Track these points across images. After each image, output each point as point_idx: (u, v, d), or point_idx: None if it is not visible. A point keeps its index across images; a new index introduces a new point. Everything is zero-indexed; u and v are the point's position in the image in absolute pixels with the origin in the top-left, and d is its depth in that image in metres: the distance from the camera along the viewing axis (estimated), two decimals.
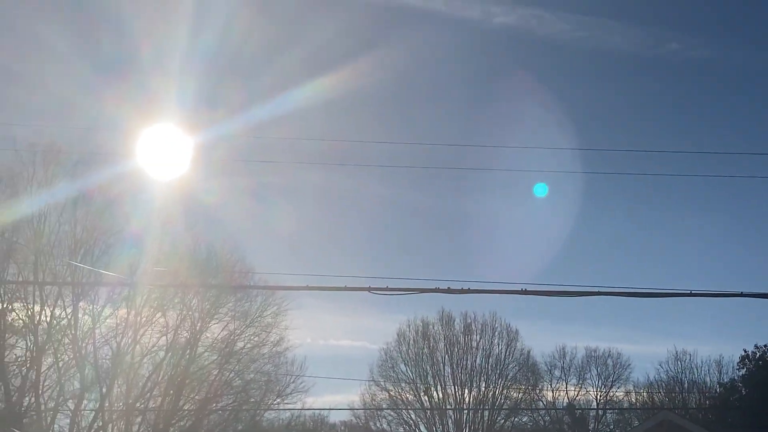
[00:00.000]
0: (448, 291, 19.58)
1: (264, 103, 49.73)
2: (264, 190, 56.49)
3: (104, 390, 43.93)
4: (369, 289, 19.77)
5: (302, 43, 56.53)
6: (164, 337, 46.50)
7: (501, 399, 65.20)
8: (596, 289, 14.30)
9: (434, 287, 20.04)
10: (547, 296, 15.58)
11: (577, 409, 67.44)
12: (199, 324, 47.41)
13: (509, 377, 65.42)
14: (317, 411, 59.48)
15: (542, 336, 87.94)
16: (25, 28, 55.69)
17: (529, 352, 66.06)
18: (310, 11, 57.51)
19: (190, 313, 47.19)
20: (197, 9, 47.33)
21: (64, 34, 50.15)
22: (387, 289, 19.49)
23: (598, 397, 67.25)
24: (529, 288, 16.64)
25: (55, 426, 43.61)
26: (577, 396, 67.83)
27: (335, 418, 68.56)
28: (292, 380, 51.78)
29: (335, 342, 77.72)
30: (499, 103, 74.02)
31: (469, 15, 60.37)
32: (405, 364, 64.67)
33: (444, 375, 64.49)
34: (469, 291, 19.43)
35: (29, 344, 42.33)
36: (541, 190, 46.28)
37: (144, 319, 45.45)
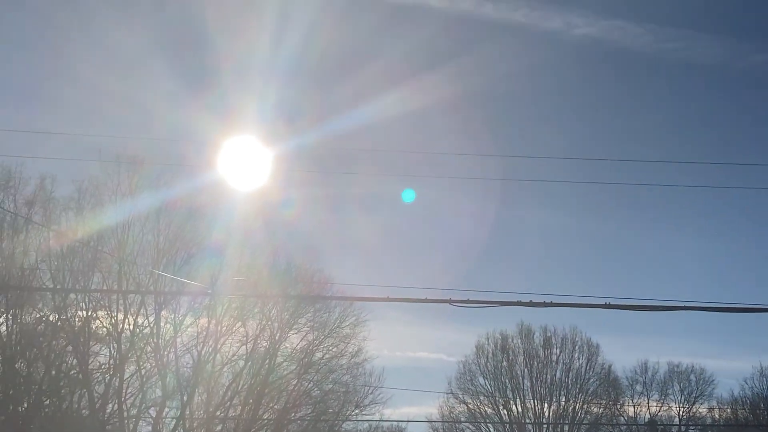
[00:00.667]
0: (530, 304, 19.39)
1: (344, 114, 50.06)
2: (343, 201, 56.70)
3: (185, 398, 44.42)
4: (450, 302, 19.66)
5: (383, 54, 56.79)
6: (244, 347, 46.94)
7: (581, 414, 64.37)
8: (682, 304, 13.97)
9: (516, 300, 19.83)
10: (631, 310, 15.28)
11: (659, 425, 66.26)
12: (278, 334, 47.71)
13: (590, 392, 64.62)
14: (395, 423, 59.26)
15: (624, 350, 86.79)
16: (110, 41, 56.88)
17: (610, 366, 65.32)
18: (391, 23, 57.67)
19: (270, 323, 47.52)
20: (279, 21, 47.86)
21: (148, 47, 51.10)
22: (468, 301, 19.35)
23: (681, 413, 66.03)
24: (613, 302, 16.34)
25: None
26: (659, 412, 66.70)
27: (413, 430, 68.44)
28: (370, 391, 51.92)
29: (412, 354, 77.56)
30: (579, 115, 73.35)
31: (550, 26, 59.94)
32: (484, 377, 64.38)
33: (523, 388, 63.98)
34: (551, 304, 19.22)
35: (112, 352, 43.01)
36: (408, 195, 45.48)
37: (224, 328, 45.89)
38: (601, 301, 18.00)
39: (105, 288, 42.74)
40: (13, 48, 60.10)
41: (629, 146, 72.60)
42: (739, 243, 79.67)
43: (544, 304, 19.33)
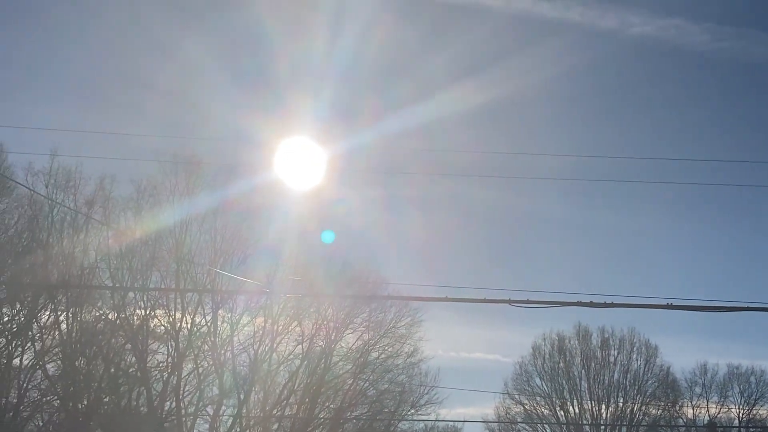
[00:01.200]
0: (591, 305, 19.18)
1: (399, 113, 49.99)
2: (398, 201, 56.62)
3: (242, 396, 44.69)
4: (509, 302, 19.50)
5: (438, 54, 56.61)
6: (300, 346, 47.07)
7: (639, 416, 63.66)
8: (745, 305, 13.70)
9: (576, 300, 19.63)
10: (694, 311, 15.03)
11: (719, 427, 65.30)
12: (333, 333, 47.80)
13: (648, 393, 63.89)
14: (451, 423, 59.07)
15: (682, 352, 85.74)
16: (167, 43, 57.39)
17: (668, 368, 64.49)
18: (449, 21, 57.50)
19: (326, 322, 47.62)
20: (334, 22, 47.91)
21: (205, 48, 51.44)
22: (527, 302, 19.19)
23: (741, 415, 65.01)
24: (675, 303, 16.08)
25: (195, 430, 44.69)
26: (719, 414, 65.73)
27: (469, 430, 68.21)
28: (426, 391, 51.73)
29: (467, 354, 77.15)
30: (636, 114, 72.55)
31: (606, 25, 59.29)
32: (540, 378, 63.95)
33: (580, 390, 63.39)
34: (612, 305, 19.00)
35: (170, 350, 43.40)
36: (328, 237, 45.34)
37: (281, 327, 46.07)
38: (663, 302, 17.75)
39: (163, 287, 43.18)
40: (73, 50, 60.96)
41: (686, 145, 71.63)
42: None
43: (605, 305, 19.13)
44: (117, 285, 41.85)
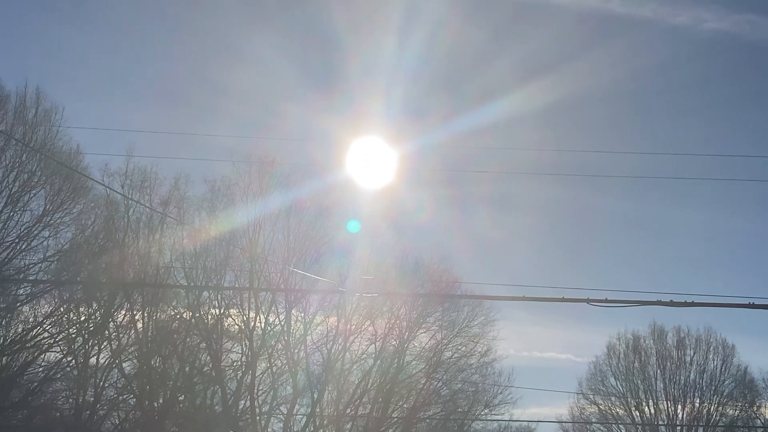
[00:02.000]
0: (670, 304, 18.76)
1: (471, 112, 49.62)
2: (471, 199, 56.22)
3: (315, 396, 44.71)
4: (588, 301, 19.14)
5: (510, 52, 56.12)
6: (373, 345, 47.03)
7: (716, 416, 62.49)
8: None
9: (655, 300, 19.23)
10: None
11: None
12: (406, 333, 47.62)
13: (725, 394, 62.70)
14: (525, 423, 58.52)
15: (760, 352, 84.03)
16: (239, 43, 57.75)
17: (746, 368, 63.12)
18: (518, 20, 57.00)
19: (398, 321, 47.46)
20: (405, 21, 47.76)
21: (277, 49, 51.64)
22: (606, 301, 18.83)
23: None
24: (757, 302, 15.57)
25: (269, 429, 44.85)
26: None
27: (543, 430, 67.59)
28: (499, 391, 51.38)
29: (539, 354, 76.40)
30: (711, 111, 71.23)
31: (679, 21, 58.20)
32: (615, 377, 63.10)
33: (656, 390, 62.42)
34: (692, 304, 18.56)
35: (244, 349, 43.60)
36: (354, 226, 44.31)
37: (353, 326, 46.00)
38: (745, 301, 17.31)
39: (237, 286, 43.37)
40: (148, 51, 61.67)
41: (764, 142, 70.04)
42: None
43: (685, 304, 18.69)
44: (192, 284, 42.12)
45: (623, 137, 65.01)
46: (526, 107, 49.39)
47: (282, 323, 43.82)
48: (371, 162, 42.42)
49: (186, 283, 42.29)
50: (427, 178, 48.90)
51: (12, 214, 35.62)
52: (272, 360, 44.46)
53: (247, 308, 43.31)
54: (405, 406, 48.90)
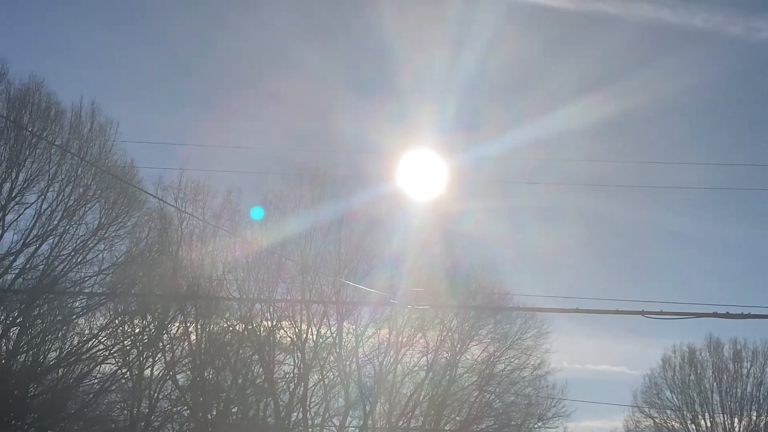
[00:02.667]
0: (727, 316, 18.49)
1: (524, 125, 49.37)
2: (523, 212, 55.83)
3: (367, 408, 44.67)
4: (642, 313, 18.92)
5: (564, 66, 55.73)
6: (425, 358, 46.92)
7: None
8: None
9: (712, 312, 18.94)
10: None
11: None
12: (458, 345, 47.45)
13: None
14: None
15: None
16: (293, 54, 58.07)
17: None
18: (573, 33, 56.51)
19: (450, 334, 47.30)
20: (458, 33, 47.61)
21: (329, 59, 51.83)
22: (661, 313, 18.57)
23: None
24: None
25: None
26: None
27: None
28: (553, 404, 50.95)
29: (593, 366, 75.63)
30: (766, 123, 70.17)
31: (731, 31, 57.32)
32: (671, 390, 62.30)
33: (712, 403, 61.54)
34: (749, 316, 18.26)
35: (297, 361, 43.72)
36: (257, 213, 43.25)
37: (405, 339, 45.92)
38: None
39: (289, 298, 43.49)
40: (201, 63, 62.20)
41: None
42: None
43: (741, 316, 18.40)
44: (244, 296, 42.33)
45: (679, 149, 64.12)
46: (580, 121, 48.91)
47: (334, 335, 43.88)
48: (423, 174, 42.38)
49: (238, 295, 42.51)
50: (478, 190, 48.63)
51: (68, 227, 36.06)
52: (324, 372, 44.53)
53: (299, 320, 43.48)
54: (457, 418, 48.71)
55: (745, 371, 62.28)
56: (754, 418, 61.58)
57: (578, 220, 61.03)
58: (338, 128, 51.22)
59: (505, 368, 49.27)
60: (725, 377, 62.14)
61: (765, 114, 71.38)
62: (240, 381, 42.71)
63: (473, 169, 48.23)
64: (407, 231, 45.97)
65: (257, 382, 43.36)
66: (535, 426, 50.94)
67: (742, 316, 18.40)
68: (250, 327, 42.50)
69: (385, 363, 45.33)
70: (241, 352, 42.78)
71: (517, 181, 47.09)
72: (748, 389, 61.92)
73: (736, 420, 61.75)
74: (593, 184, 51.55)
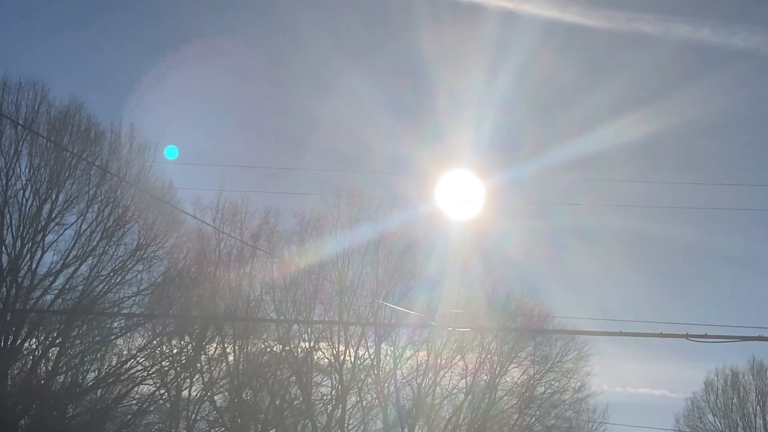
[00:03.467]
0: None
1: (563, 144, 49.00)
2: (561, 232, 55.36)
3: (406, 431, 44.26)
4: (687, 336, 18.54)
5: (601, 85, 55.35)
6: (464, 380, 46.49)
7: None
8: None
9: (757, 335, 18.56)
10: None
11: None
12: (498, 368, 46.96)
13: None
14: None
15: None
16: (329, 76, 58.15)
17: None
18: (610, 52, 55.97)
19: (489, 356, 46.84)
20: (494, 54, 47.37)
21: (366, 81, 51.67)
22: (706, 336, 18.18)
23: None
24: None
25: None
26: None
27: None
28: (594, 427, 50.38)
29: (633, 390, 74.65)
30: None
31: None
32: (713, 414, 61.47)
33: (755, 427, 60.62)
34: None
35: (334, 382, 43.45)
36: (171, 152, 41.65)
37: (444, 361, 45.53)
38: None
39: (327, 320, 43.27)
40: (238, 85, 62.40)
41: None
42: None
43: None
44: (282, 317, 42.18)
45: (720, 170, 63.42)
46: (618, 141, 48.51)
47: (372, 357, 43.62)
48: (460, 194, 42.15)
49: (276, 317, 42.35)
50: (516, 211, 48.25)
51: (107, 248, 36.12)
52: (362, 394, 44.26)
53: (336, 342, 43.25)
54: None
55: None
56: None
57: (619, 241, 60.41)
58: (375, 149, 51.27)
59: (545, 391, 48.74)
60: None
61: None
62: (278, 402, 42.53)
63: (511, 190, 47.97)
64: (445, 252, 45.74)
65: (295, 403, 43.17)
66: None
67: None
68: (287, 348, 42.34)
69: (423, 385, 45.02)
70: (278, 373, 42.60)
71: (556, 202, 46.78)
72: None
73: None
74: (634, 206, 50.96)
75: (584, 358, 48.99)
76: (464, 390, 46.49)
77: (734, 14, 54.32)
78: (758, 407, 61.41)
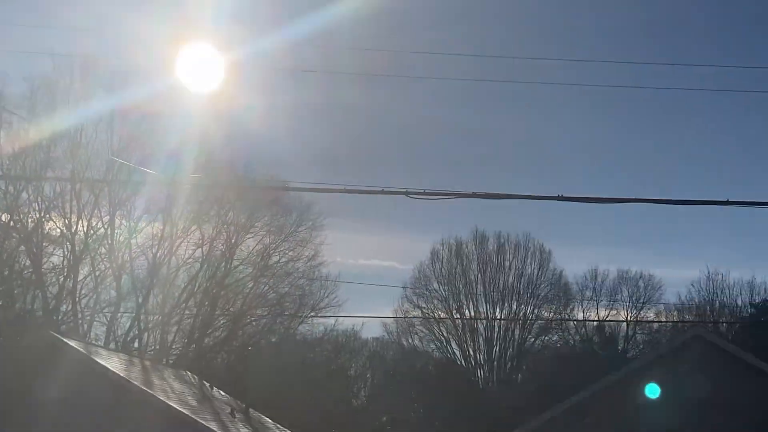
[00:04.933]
0: (485, 196, 19.29)
1: (302, 19, 49.23)
2: (303, 107, 56.13)
3: (140, 299, 44.58)
4: (406, 193, 19.57)
5: None
6: (200, 250, 46.97)
7: (532, 318, 65.21)
8: (632, 197, 14.25)
9: (470, 192, 19.78)
10: (583, 202, 15.50)
11: (603, 321, 66.74)
12: (234, 237, 47.75)
13: (541, 297, 65.37)
14: (350, 327, 59.97)
15: (575, 259, 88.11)
16: None
17: (561, 272, 65.81)
18: None
19: (226, 226, 47.47)
20: None
21: None
22: (424, 193, 19.25)
23: (629, 317, 67.01)
24: (566, 195, 16.40)
25: (92, 333, 44.50)
26: (608, 316, 67.71)
27: (367, 334, 69.05)
28: (326, 294, 52.27)
29: (365, 261, 78.00)
30: None
31: None
32: (438, 282, 64.75)
33: (476, 293, 64.46)
34: (508, 196, 19.15)
35: (66, 253, 42.90)
36: None
37: (180, 231, 45.78)
38: (554, 194, 17.97)
39: (58, 189, 42.34)
40: None
41: None
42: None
43: (499, 196, 19.29)
44: (10, 186, 40.94)
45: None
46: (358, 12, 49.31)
47: (105, 227, 43.29)
48: (201, 68, 41.83)
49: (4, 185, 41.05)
50: (260, 85, 48.43)
51: None
52: (95, 264, 44.00)
53: (69, 211, 42.52)
54: (231, 309, 49.28)
55: (507, 264, 65.40)
56: (514, 307, 65.10)
57: (359, 114, 61.98)
58: (112, 20, 49.67)
59: (280, 260, 50.14)
60: (489, 269, 65.07)
61: None
62: (6, 273, 41.59)
63: (252, 64, 47.91)
64: (185, 125, 45.37)
65: (24, 274, 42.36)
66: (309, 315, 52.34)
67: (498, 196, 19.10)
68: (16, 218, 41.27)
69: (159, 255, 45.19)
70: (6, 243, 41.56)
71: (295, 71, 47.13)
72: (510, 280, 65.15)
73: (497, 309, 65.07)
74: (373, 75, 52.34)
75: (318, 228, 50.66)
76: (200, 260, 47.10)
77: None
78: (479, 275, 65.15)
